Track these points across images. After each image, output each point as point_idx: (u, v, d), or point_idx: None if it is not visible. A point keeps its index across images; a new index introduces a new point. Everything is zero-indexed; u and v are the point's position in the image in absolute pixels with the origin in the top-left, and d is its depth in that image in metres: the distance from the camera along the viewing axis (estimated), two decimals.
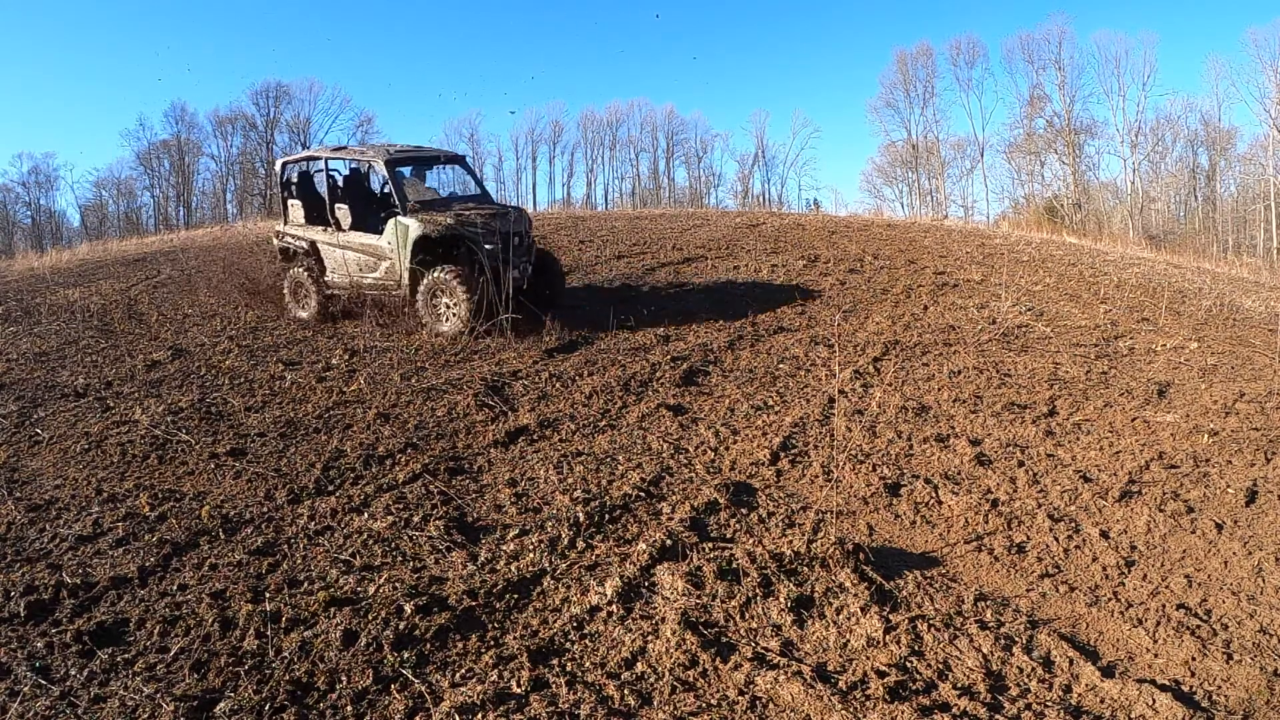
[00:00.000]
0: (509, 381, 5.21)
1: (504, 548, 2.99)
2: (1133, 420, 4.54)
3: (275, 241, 7.80)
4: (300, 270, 7.41)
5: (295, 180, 7.82)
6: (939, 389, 5.12)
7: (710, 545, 2.98)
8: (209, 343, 6.27)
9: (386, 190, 7.66)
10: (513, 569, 2.82)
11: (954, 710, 2.12)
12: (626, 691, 2.16)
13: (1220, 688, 2.34)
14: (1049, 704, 2.18)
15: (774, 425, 4.49)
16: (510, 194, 43.96)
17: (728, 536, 3.16)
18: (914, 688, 2.22)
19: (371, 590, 2.65)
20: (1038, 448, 4.20)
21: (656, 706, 2.12)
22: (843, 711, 2.08)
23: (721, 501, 3.44)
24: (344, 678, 2.20)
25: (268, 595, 2.63)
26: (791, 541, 3.05)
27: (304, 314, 7.38)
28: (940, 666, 2.34)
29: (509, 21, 59.73)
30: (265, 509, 3.35)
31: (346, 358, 5.87)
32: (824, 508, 3.45)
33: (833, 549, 2.87)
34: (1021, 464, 3.98)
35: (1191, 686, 2.34)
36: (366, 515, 3.28)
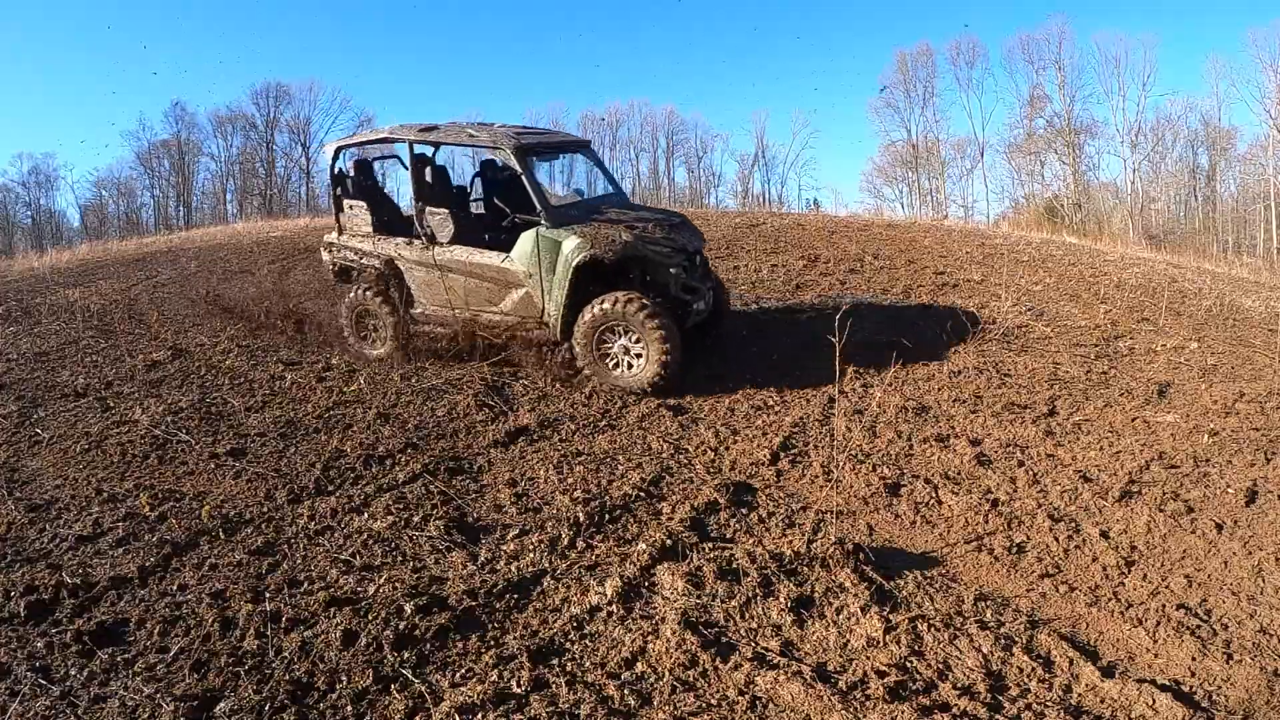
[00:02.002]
0: (509, 381, 5.21)
1: (504, 548, 2.99)
2: (1133, 420, 4.54)
3: (325, 255, 6.06)
4: (367, 296, 5.70)
5: (352, 173, 6.15)
6: (939, 389, 5.12)
7: (710, 545, 2.98)
8: (209, 343, 6.26)
9: (474, 187, 6.29)
10: (513, 569, 2.82)
11: (954, 710, 2.12)
12: (626, 691, 2.16)
13: (1220, 688, 2.34)
14: (1049, 704, 2.17)
15: (774, 425, 4.49)
16: None
17: (728, 536, 3.16)
18: (914, 688, 2.22)
19: (371, 590, 2.65)
20: (1038, 448, 4.20)
21: (657, 706, 2.12)
22: (843, 711, 2.08)
23: (721, 501, 3.44)
24: (344, 678, 2.20)
25: (268, 595, 2.63)
26: (791, 541, 3.05)
27: (374, 352, 5.76)
28: (940, 666, 2.34)
29: (508, 21, 59.70)
30: (265, 509, 3.35)
31: (347, 358, 5.86)
32: (824, 508, 3.45)
33: (833, 549, 2.87)
34: (1021, 464, 3.98)
35: (1191, 686, 2.34)
36: (366, 515, 3.28)
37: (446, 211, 5.48)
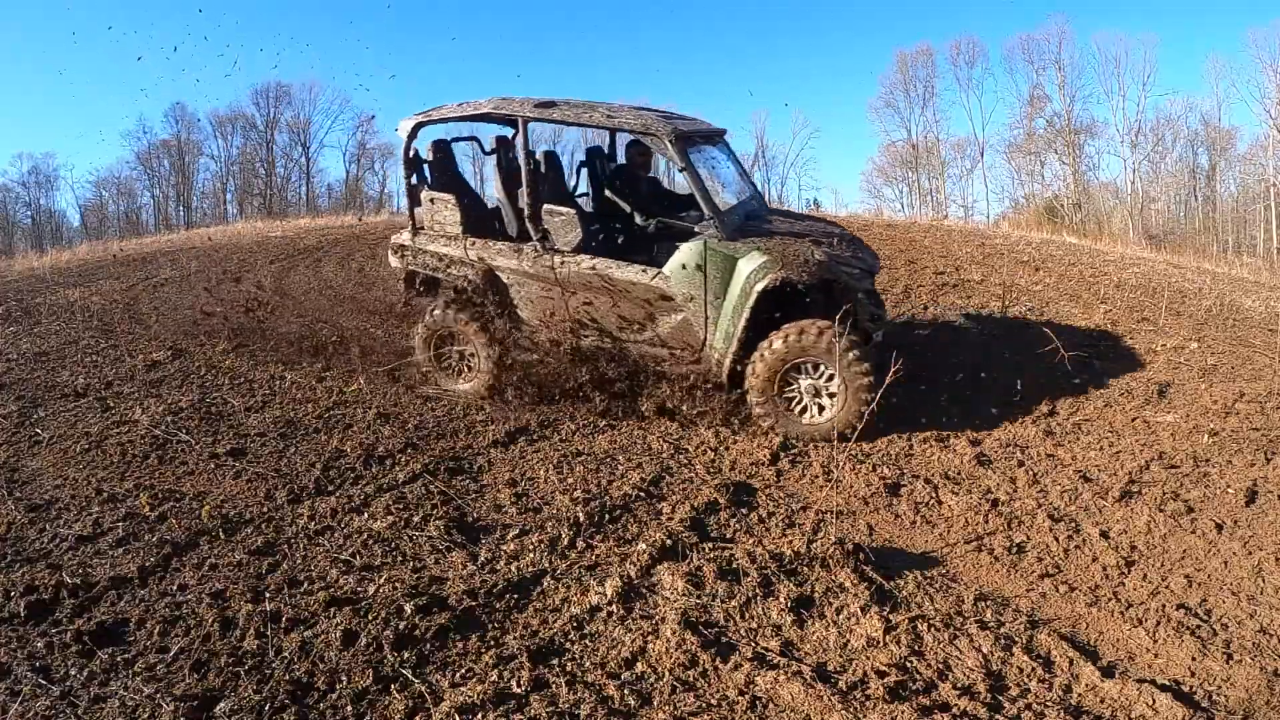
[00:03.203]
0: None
1: (504, 548, 2.99)
2: (1133, 420, 4.54)
3: (394, 259, 4.96)
4: (456, 315, 4.64)
5: (430, 157, 5.04)
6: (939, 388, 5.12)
7: (710, 545, 2.98)
8: (209, 342, 6.26)
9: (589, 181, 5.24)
10: (513, 569, 2.82)
11: (954, 710, 2.12)
12: (626, 691, 2.16)
13: (1220, 688, 2.34)
14: (1049, 704, 2.18)
15: None
16: None
17: (728, 536, 3.16)
18: (914, 688, 2.22)
19: (371, 590, 2.65)
20: (1038, 448, 4.20)
21: (656, 706, 2.12)
22: (843, 711, 2.08)
23: (721, 501, 3.44)
24: (344, 678, 2.20)
25: (268, 595, 2.63)
26: (791, 541, 3.05)
27: (461, 386, 4.77)
28: (940, 666, 2.34)
29: (506, 20, 59.70)
30: (265, 509, 3.35)
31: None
32: (824, 508, 3.45)
33: (833, 549, 2.87)
34: (1021, 464, 3.98)
35: (1191, 686, 2.34)
36: (366, 515, 3.28)
37: (572, 212, 4.47)
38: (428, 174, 5.03)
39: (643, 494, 3.52)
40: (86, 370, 5.59)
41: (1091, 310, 7.35)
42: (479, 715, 2.05)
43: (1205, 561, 3.11)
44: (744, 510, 3.42)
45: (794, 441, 4.21)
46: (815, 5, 60.09)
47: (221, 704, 2.10)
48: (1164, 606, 2.78)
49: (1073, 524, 3.40)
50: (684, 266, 4.21)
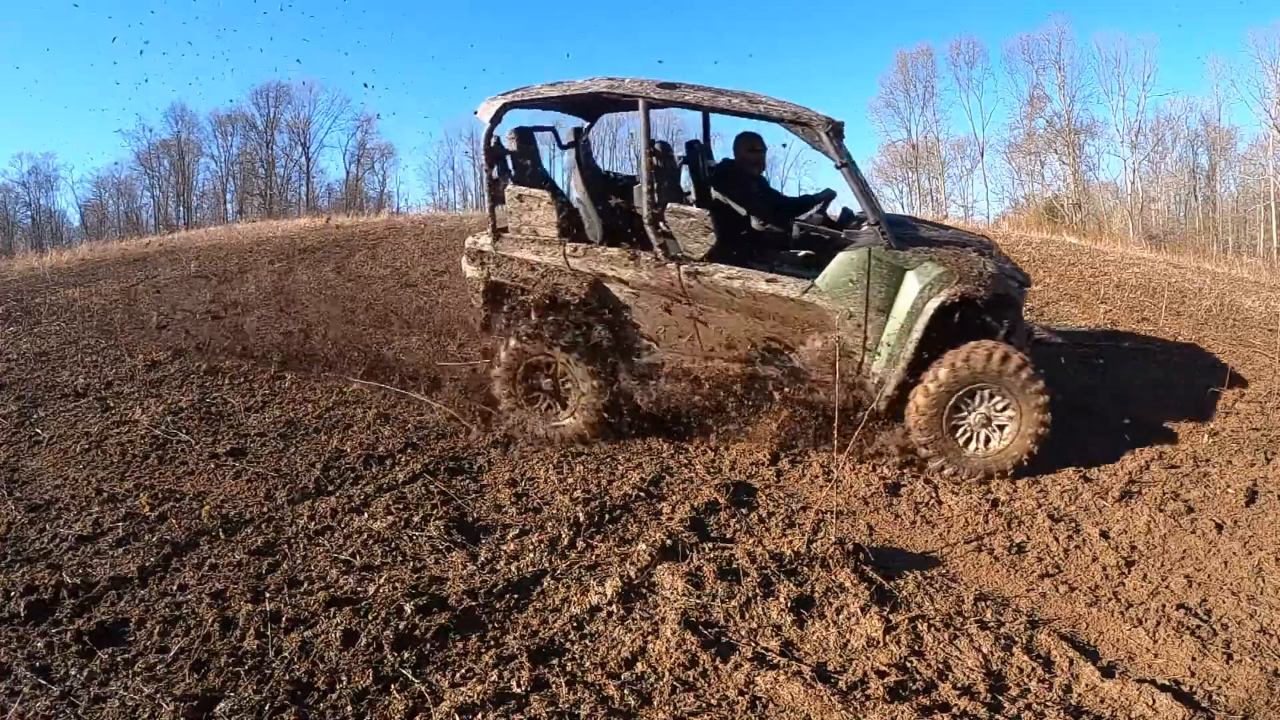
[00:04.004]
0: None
1: (504, 548, 2.99)
2: (1133, 420, 4.54)
3: (470, 269, 4.25)
4: (554, 339, 4.01)
5: (513, 147, 4.37)
6: None
7: (710, 545, 2.98)
8: (209, 342, 6.25)
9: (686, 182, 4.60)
10: (513, 569, 2.82)
11: (954, 710, 2.12)
12: (626, 691, 2.16)
13: (1220, 688, 2.34)
14: (1049, 704, 2.17)
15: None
16: None
17: (728, 536, 3.16)
18: (914, 688, 2.22)
19: (371, 590, 2.65)
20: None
21: (656, 706, 2.12)
22: (843, 711, 2.08)
23: (721, 501, 3.44)
24: (344, 678, 2.20)
25: (268, 595, 2.63)
26: (791, 541, 3.05)
27: (559, 423, 4.12)
28: (940, 666, 2.34)
29: (506, 20, 59.70)
30: (265, 509, 3.35)
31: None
32: (824, 508, 3.45)
33: (833, 549, 2.87)
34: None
35: (1191, 686, 2.34)
36: (366, 515, 3.28)
37: (705, 213, 3.82)
38: (523, 169, 4.38)
39: (643, 494, 3.52)
40: (86, 370, 5.59)
41: (1091, 310, 7.35)
42: (479, 715, 2.05)
43: (1205, 561, 3.11)
44: (744, 510, 3.42)
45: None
46: (815, 5, 60.11)
47: (221, 704, 2.10)
48: (1164, 606, 2.78)
49: (1073, 524, 3.40)
50: (843, 279, 3.68)
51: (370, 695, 2.14)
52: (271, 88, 41.63)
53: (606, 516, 3.26)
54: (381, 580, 2.72)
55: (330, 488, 3.58)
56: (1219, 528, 3.36)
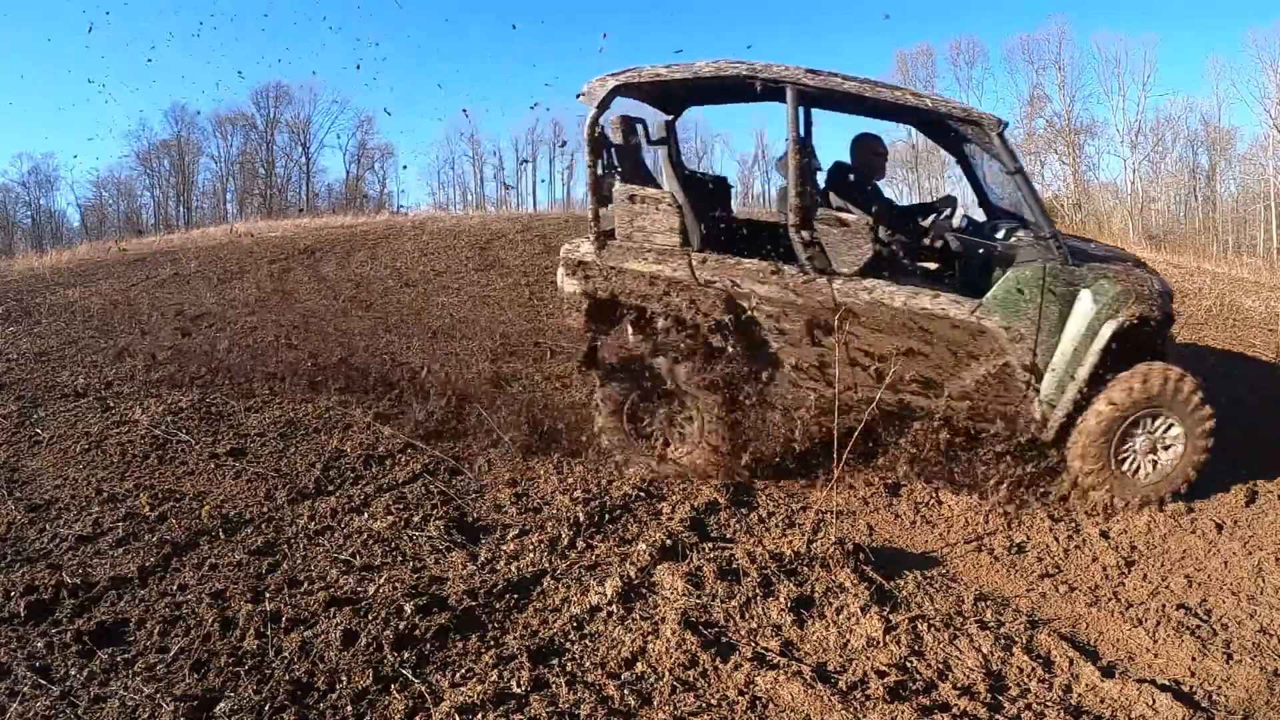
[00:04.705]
0: (507, 381, 5.20)
1: (504, 548, 2.99)
2: None
3: (569, 284, 3.71)
4: (675, 365, 3.59)
5: (617, 139, 3.95)
6: None
7: (710, 545, 2.98)
8: (209, 342, 6.25)
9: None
10: (513, 569, 2.82)
11: (954, 710, 2.12)
12: (626, 691, 2.16)
13: (1220, 688, 2.34)
14: (1049, 704, 2.17)
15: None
16: (511, 194, 43.93)
17: (728, 536, 3.16)
18: (914, 688, 2.22)
19: (371, 590, 2.65)
20: None
21: (656, 706, 2.12)
22: (843, 711, 2.08)
23: (721, 501, 3.44)
24: (344, 678, 2.20)
25: (268, 595, 2.63)
26: (791, 541, 3.05)
27: (676, 456, 3.68)
28: (940, 666, 2.34)
29: (504, 19, 59.72)
30: (265, 509, 3.35)
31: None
32: (824, 508, 3.45)
33: (833, 549, 2.87)
34: None
35: (1192, 686, 2.34)
36: (366, 515, 3.28)
37: (863, 220, 3.48)
38: (615, 161, 3.89)
39: (643, 494, 3.52)
40: (86, 370, 5.59)
41: None
42: (479, 715, 2.05)
43: (1205, 561, 3.12)
44: (744, 510, 3.42)
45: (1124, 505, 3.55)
46: (815, 5, 60.14)
47: (221, 704, 2.10)
48: (1164, 606, 2.78)
49: (1073, 524, 3.40)
50: (1014, 297, 3.39)
51: (370, 695, 2.14)
52: (272, 88, 41.69)
53: (606, 516, 3.26)
54: (381, 580, 2.72)
55: (330, 488, 3.58)
56: (1219, 528, 3.36)
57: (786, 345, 3.53)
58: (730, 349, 3.51)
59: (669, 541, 2.94)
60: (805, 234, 3.45)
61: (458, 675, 2.23)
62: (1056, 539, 3.27)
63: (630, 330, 3.73)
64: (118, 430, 4.31)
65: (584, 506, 3.30)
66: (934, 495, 3.64)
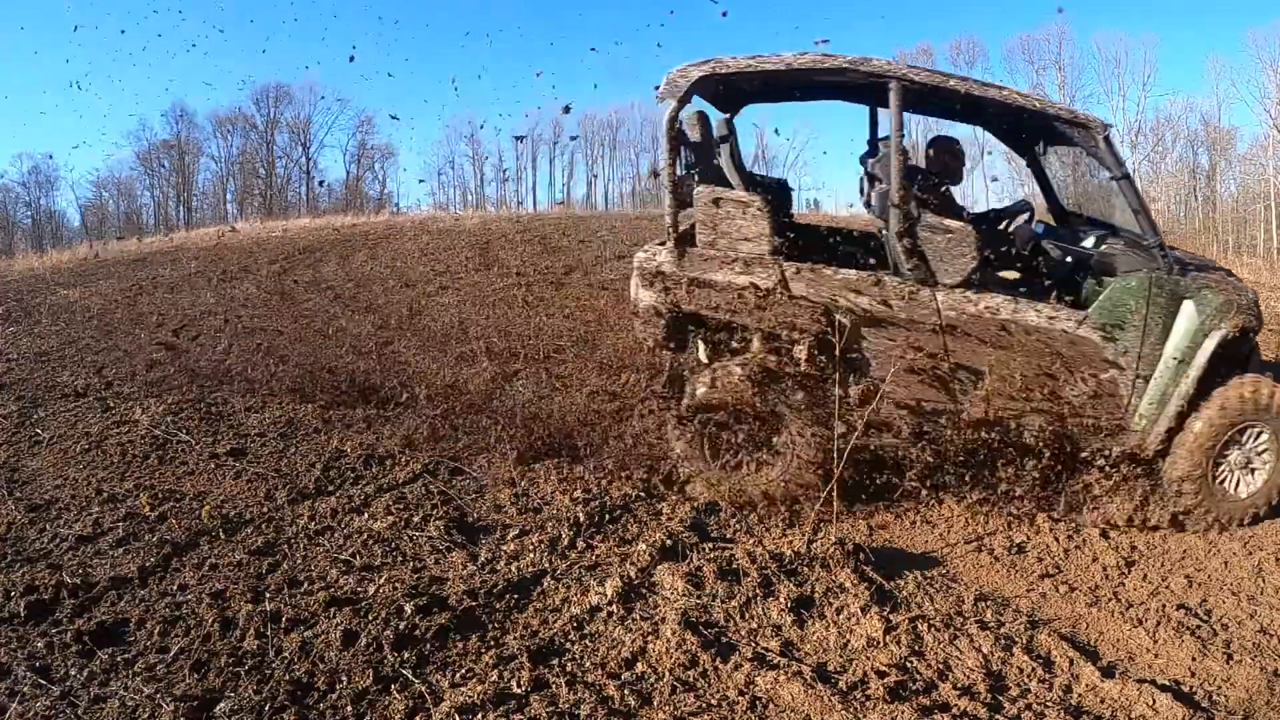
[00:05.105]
0: (507, 381, 5.20)
1: (504, 548, 2.99)
2: None
3: (647, 295, 3.42)
4: (761, 383, 3.31)
5: (694, 137, 3.78)
6: None
7: (710, 545, 2.98)
8: (210, 342, 6.26)
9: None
10: (513, 569, 2.82)
11: (954, 710, 2.12)
12: (627, 691, 2.16)
13: (1220, 688, 2.34)
14: (1049, 704, 2.17)
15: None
16: (511, 193, 43.96)
17: (728, 536, 3.16)
18: (914, 688, 2.22)
19: (372, 590, 2.65)
20: None
21: (657, 706, 2.12)
22: (843, 711, 2.08)
23: (722, 502, 3.43)
24: (344, 678, 2.20)
25: (268, 595, 2.63)
26: (792, 542, 3.05)
27: (770, 482, 3.39)
28: (940, 666, 2.34)
29: (503, 19, 59.72)
30: (265, 509, 3.35)
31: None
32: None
33: (833, 549, 2.87)
34: None
35: (1192, 687, 2.34)
36: (367, 515, 3.28)
37: (966, 228, 3.28)
38: (694, 160, 3.69)
39: (643, 494, 3.51)
40: (87, 370, 5.59)
41: None
42: (479, 715, 2.05)
43: (1205, 562, 3.12)
44: (744, 510, 3.42)
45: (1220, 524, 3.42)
46: (815, 6, 60.14)
47: (221, 704, 2.10)
48: (1164, 607, 2.78)
49: (1073, 524, 3.40)
50: (1120, 309, 3.26)
51: (370, 695, 2.14)
52: (272, 88, 41.70)
53: (607, 517, 3.25)
54: (382, 580, 2.72)
55: (330, 488, 3.58)
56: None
57: (885, 362, 3.30)
58: (827, 368, 3.30)
59: (669, 541, 2.94)
60: (908, 242, 3.24)
61: (458, 675, 2.23)
62: (1056, 539, 3.27)
63: (702, 348, 3.46)
64: (118, 430, 4.31)
65: (584, 506, 3.30)
66: (934, 495, 3.64)
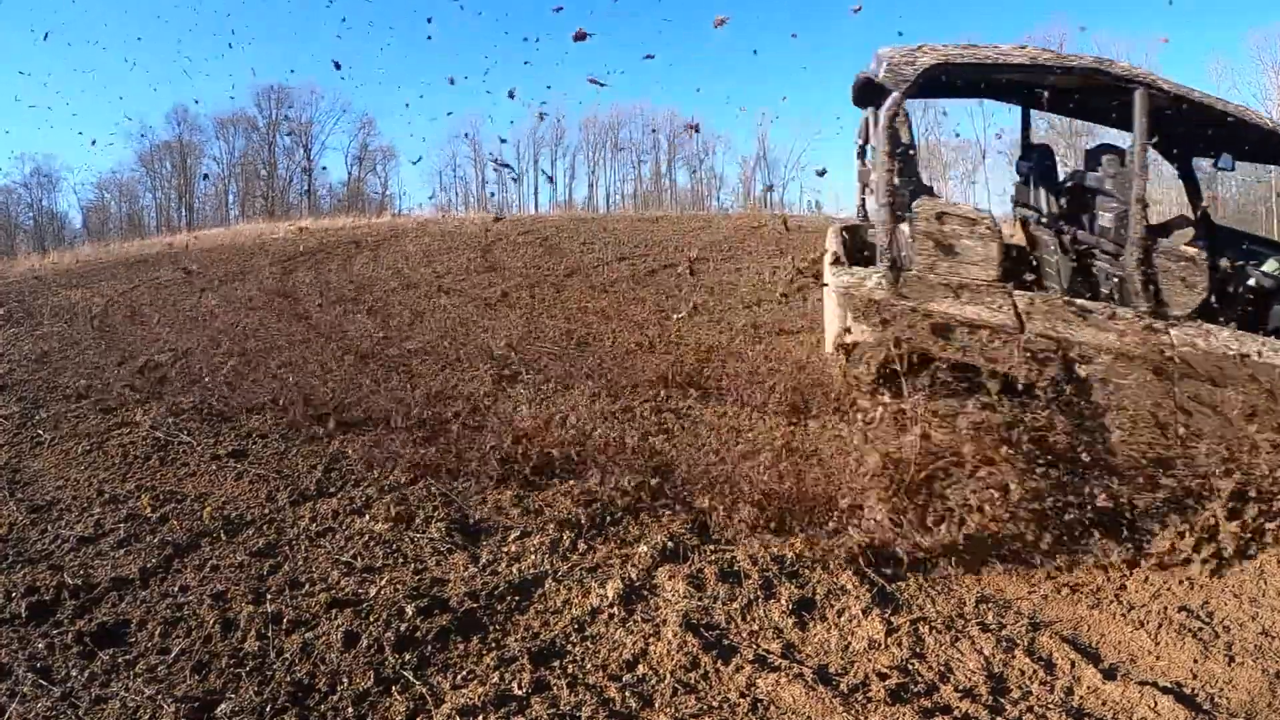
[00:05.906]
0: (509, 383, 5.20)
1: (505, 549, 2.99)
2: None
3: (862, 330, 2.99)
4: (1002, 436, 2.75)
5: (906, 138, 3.36)
6: None
7: (711, 547, 2.98)
8: (210, 343, 6.27)
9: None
10: (514, 571, 2.82)
11: (955, 712, 2.11)
12: (628, 693, 2.15)
13: (1222, 690, 2.33)
14: (1051, 706, 2.17)
15: (775, 425, 4.47)
16: (512, 195, 43.96)
17: (729, 538, 3.16)
18: (915, 690, 2.22)
19: (373, 592, 2.65)
20: None
21: (658, 708, 2.11)
22: (844, 713, 2.08)
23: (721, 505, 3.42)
24: (345, 679, 2.20)
25: (269, 597, 2.63)
26: (793, 543, 3.04)
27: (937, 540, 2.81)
28: (942, 669, 2.34)
29: (508, 20, 59.77)
30: (266, 510, 3.35)
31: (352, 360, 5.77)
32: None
33: (834, 551, 2.87)
34: None
35: (1194, 689, 2.34)
36: (368, 517, 3.27)
37: (1200, 255, 3.00)
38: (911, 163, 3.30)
39: (643, 496, 3.51)
40: (88, 372, 5.60)
41: None
42: (480, 717, 2.05)
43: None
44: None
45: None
46: (815, 6, 60.20)
47: (222, 705, 2.10)
48: (1166, 609, 2.77)
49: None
50: None
51: (371, 697, 2.14)
52: (273, 89, 41.77)
53: (608, 518, 3.25)
54: (383, 582, 2.72)
55: (331, 489, 3.58)
56: None
57: (1117, 405, 2.88)
58: (1062, 412, 2.85)
59: (670, 544, 2.94)
60: (1144, 270, 2.91)
61: (459, 677, 2.23)
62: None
63: (910, 388, 2.89)
64: (119, 431, 4.32)
65: (585, 509, 3.29)
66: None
